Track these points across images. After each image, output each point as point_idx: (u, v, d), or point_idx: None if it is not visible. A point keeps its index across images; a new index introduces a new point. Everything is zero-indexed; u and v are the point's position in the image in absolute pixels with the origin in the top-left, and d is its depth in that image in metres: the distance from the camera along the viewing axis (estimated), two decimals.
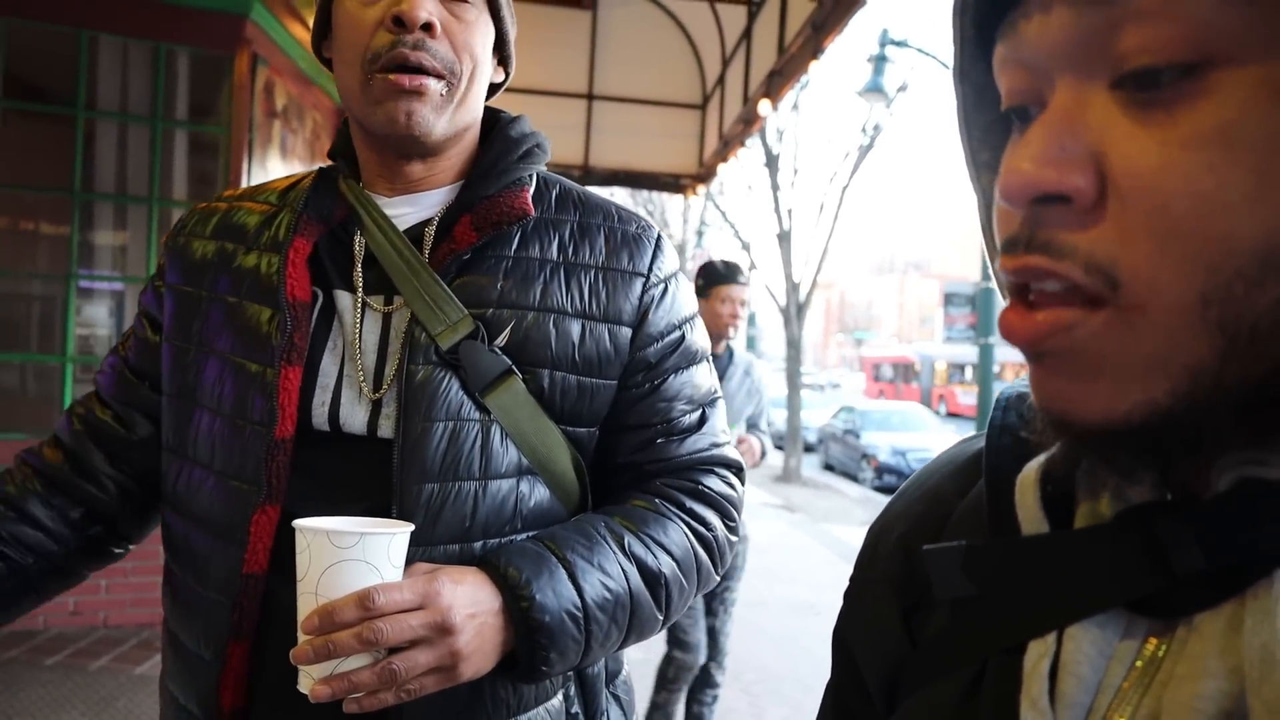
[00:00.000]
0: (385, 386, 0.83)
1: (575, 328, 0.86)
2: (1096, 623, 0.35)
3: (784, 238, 12.46)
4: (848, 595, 0.51)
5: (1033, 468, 0.39)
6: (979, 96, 0.41)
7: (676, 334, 0.92)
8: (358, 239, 0.87)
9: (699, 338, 0.95)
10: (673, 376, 0.91)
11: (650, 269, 0.90)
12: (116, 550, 0.98)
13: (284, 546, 0.81)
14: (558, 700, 0.87)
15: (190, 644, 0.86)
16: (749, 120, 4.48)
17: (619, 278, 0.88)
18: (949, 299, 8.64)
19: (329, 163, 0.95)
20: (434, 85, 0.81)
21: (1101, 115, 0.31)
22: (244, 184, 4.01)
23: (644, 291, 0.89)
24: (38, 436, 1.00)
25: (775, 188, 12.21)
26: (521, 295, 0.85)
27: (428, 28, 0.80)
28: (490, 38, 0.87)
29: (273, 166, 4.41)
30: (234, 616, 0.81)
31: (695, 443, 0.93)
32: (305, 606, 0.70)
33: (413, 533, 0.75)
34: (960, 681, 0.40)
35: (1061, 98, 0.32)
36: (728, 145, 4.97)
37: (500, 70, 0.93)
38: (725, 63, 5.08)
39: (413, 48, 0.80)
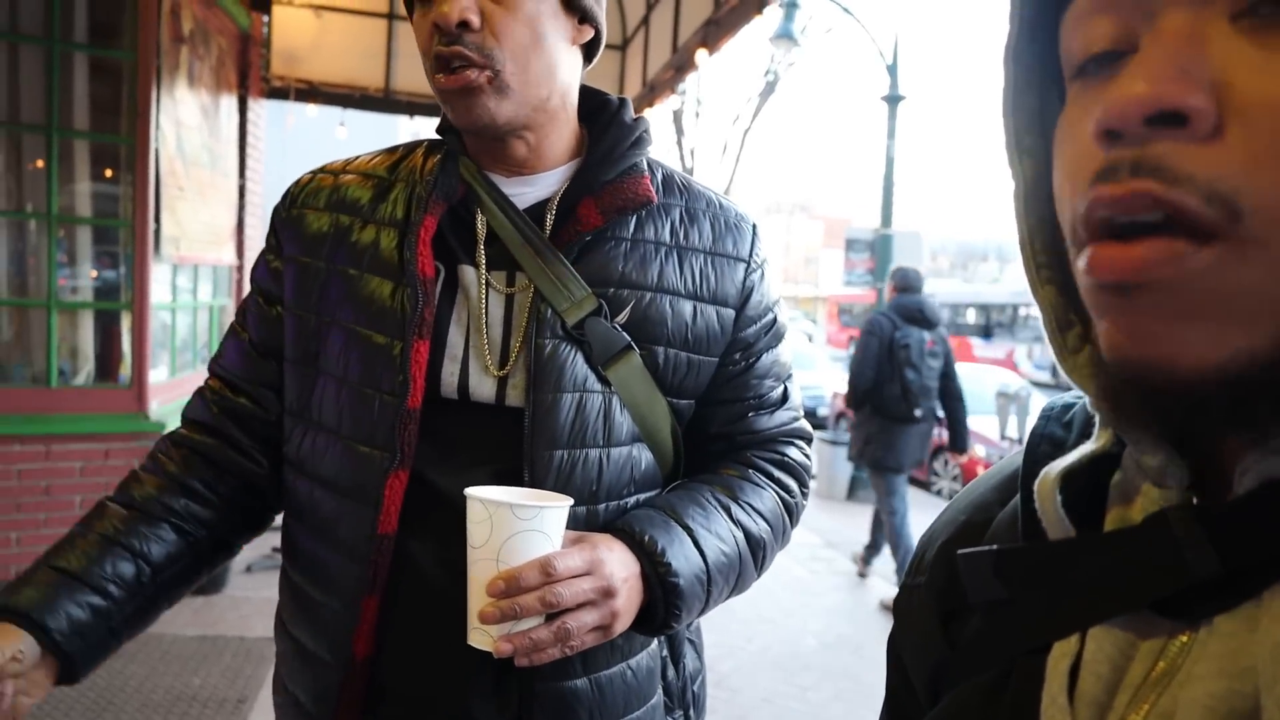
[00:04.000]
0: (512, 359, 0.88)
1: (687, 308, 0.92)
2: (1120, 624, 0.36)
3: None
4: (897, 603, 0.52)
5: (1052, 471, 0.40)
6: (1028, 78, 0.40)
7: (770, 316, 1.00)
8: (479, 218, 0.91)
9: (784, 318, 1.03)
10: (765, 355, 0.99)
11: (750, 254, 0.97)
12: (267, 518, 1.02)
13: (412, 507, 0.87)
14: (654, 645, 0.97)
15: (318, 595, 0.91)
16: (680, 67, 4.49)
17: (725, 263, 0.95)
18: (850, 245, 9.00)
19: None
20: (475, 76, 0.83)
21: (1223, 44, 0.30)
22: (153, 113, 3.77)
23: (746, 276, 0.96)
24: None
25: (679, 130, 12.24)
26: (640, 276, 0.91)
27: (464, 25, 0.82)
28: (544, 4, 0.86)
29: (181, 95, 4.15)
30: (369, 573, 0.86)
31: (780, 416, 1.02)
32: (485, 572, 0.76)
33: None
34: (987, 682, 0.41)
35: (1173, 24, 0.31)
36: (654, 91, 4.97)
37: (587, 27, 0.91)
38: (650, 5, 5.05)
39: (447, 45, 0.82)
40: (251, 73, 5.29)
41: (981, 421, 8.08)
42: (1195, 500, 0.36)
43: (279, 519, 1.00)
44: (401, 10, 0.94)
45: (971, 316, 21.67)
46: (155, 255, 3.87)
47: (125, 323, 3.88)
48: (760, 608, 4.33)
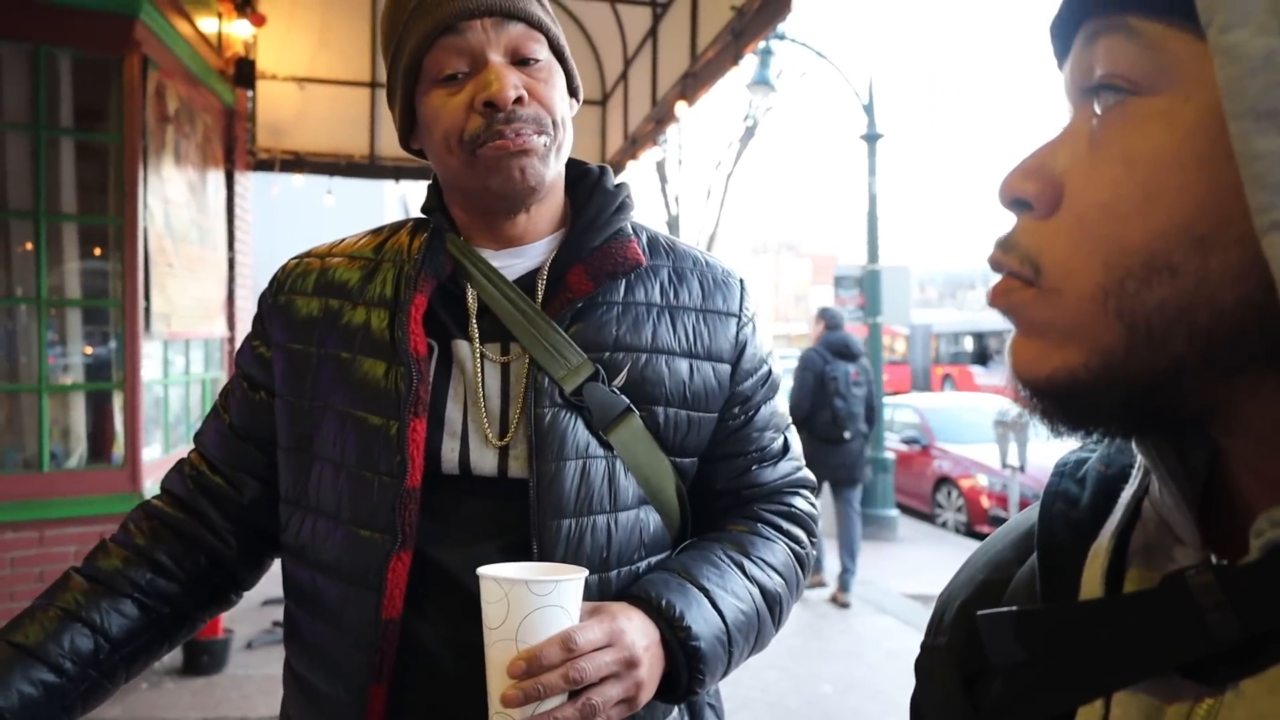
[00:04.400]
0: (511, 430, 0.87)
1: (684, 366, 0.92)
2: (1145, 688, 0.36)
3: (672, 224, 12.68)
4: (918, 665, 0.52)
5: (1104, 539, 0.40)
6: None
7: (765, 368, 1.00)
8: (470, 292, 0.91)
9: (778, 368, 1.03)
10: (763, 407, 0.99)
11: (741, 309, 0.98)
12: (233, 597, 1.01)
13: (417, 589, 0.85)
14: (675, 714, 0.94)
15: (323, 685, 0.89)
16: (660, 120, 4.56)
17: (716, 319, 0.96)
18: (838, 281, 9.07)
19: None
20: (538, 140, 0.85)
21: (1079, 141, 0.37)
22: (140, 193, 3.80)
23: (738, 330, 0.97)
24: None
25: (663, 179, 12.40)
26: (634, 338, 0.91)
27: (518, 101, 0.84)
28: (564, 79, 0.91)
29: (168, 173, 4.19)
30: (376, 660, 0.84)
31: (783, 467, 1.02)
32: (504, 653, 0.73)
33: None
34: None
35: (1072, 120, 0.38)
36: (636, 143, 5.03)
37: (574, 101, 0.96)
38: (628, 61, 5.14)
39: (506, 123, 0.83)
40: (238, 147, 5.35)
41: (982, 450, 8.06)
42: (1214, 559, 0.36)
43: (274, 591, 0.99)
44: (384, 77, 0.95)
45: (969, 345, 21.09)
46: (146, 333, 3.87)
47: (117, 402, 3.87)
48: (772, 655, 4.26)
